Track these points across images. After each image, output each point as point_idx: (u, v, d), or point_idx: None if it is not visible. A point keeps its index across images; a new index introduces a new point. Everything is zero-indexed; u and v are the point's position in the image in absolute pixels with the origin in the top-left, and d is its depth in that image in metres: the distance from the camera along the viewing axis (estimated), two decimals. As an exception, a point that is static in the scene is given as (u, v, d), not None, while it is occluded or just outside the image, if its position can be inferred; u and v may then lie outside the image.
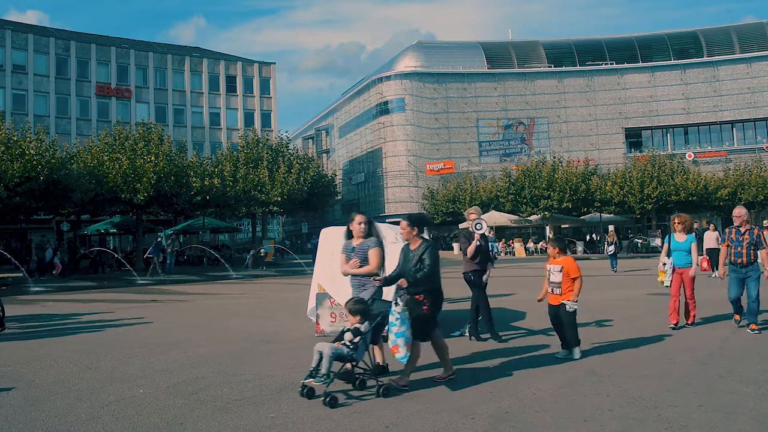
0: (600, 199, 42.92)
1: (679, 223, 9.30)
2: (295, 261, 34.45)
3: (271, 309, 13.46)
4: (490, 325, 8.45)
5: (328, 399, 5.26)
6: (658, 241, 37.87)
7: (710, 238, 18.10)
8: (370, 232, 6.31)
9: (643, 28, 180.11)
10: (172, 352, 8.03)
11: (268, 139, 46.55)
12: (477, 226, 8.47)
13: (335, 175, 59.86)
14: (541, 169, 43.55)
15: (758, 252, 8.69)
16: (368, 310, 5.72)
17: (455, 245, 45.94)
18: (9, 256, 23.33)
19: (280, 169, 40.56)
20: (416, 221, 6.20)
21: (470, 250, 8.45)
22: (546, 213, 42.67)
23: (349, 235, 6.41)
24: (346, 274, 6.40)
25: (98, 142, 31.83)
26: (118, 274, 28.43)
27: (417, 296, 5.92)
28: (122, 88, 52.08)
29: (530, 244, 43.09)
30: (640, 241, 42.50)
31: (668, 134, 61.48)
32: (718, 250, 13.02)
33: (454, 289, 15.07)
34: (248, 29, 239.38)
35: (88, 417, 5.14)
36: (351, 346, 5.48)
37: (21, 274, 23.28)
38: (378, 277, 6.05)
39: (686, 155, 56.47)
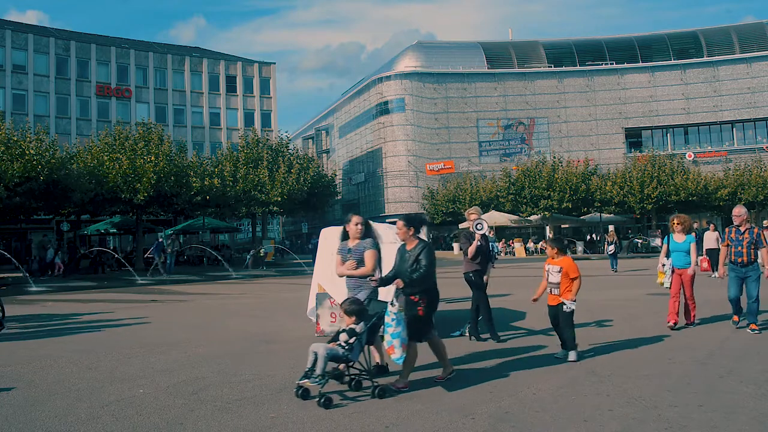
0: (600, 199, 42.92)
1: (678, 223, 9.27)
2: (295, 261, 34.45)
3: (271, 309, 13.46)
4: (490, 326, 8.45)
5: (322, 400, 5.24)
6: (658, 241, 37.87)
7: (710, 239, 18.09)
8: (366, 233, 6.27)
9: (643, 28, 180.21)
10: (172, 352, 8.03)
11: (268, 139, 46.56)
12: (478, 227, 8.46)
13: (335, 175, 59.87)
14: (541, 169, 43.56)
15: (759, 251, 8.66)
16: (364, 310, 5.71)
17: (455, 245, 45.94)
18: (9, 256, 23.35)
19: (280, 169, 40.56)
20: (412, 221, 6.18)
21: (471, 250, 8.44)
22: (546, 213, 42.67)
23: (345, 236, 6.37)
24: (341, 276, 6.37)
25: (98, 142, 31.86)
26: (118, 274, 28.42)
27: (412, 297, 5.91)
28: (122, 88, 52.09)
29: (530, 244, 43.08)
30: (640, 241, 42.50)
31: (668, 134, 61.48)
32: (718, 250, 13.03)
33: (454, 289, 15.07)
34: (248, 29, 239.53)
35: (88, 417, 5.14)
36: (346, 347, 5.47)
37: (21, 274, 23.28)
38: (374, 278, 6.03)
39: (686, 155, 56.47)
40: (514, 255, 40.97)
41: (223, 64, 57.15)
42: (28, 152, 24.66)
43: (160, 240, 28.31)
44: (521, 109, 61.51)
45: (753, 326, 8.54)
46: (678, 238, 9.24)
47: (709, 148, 59.70)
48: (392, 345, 5.55)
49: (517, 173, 45.18)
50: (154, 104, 53.37)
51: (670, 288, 9.16)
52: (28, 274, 23.18)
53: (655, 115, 60.85)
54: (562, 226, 49.74)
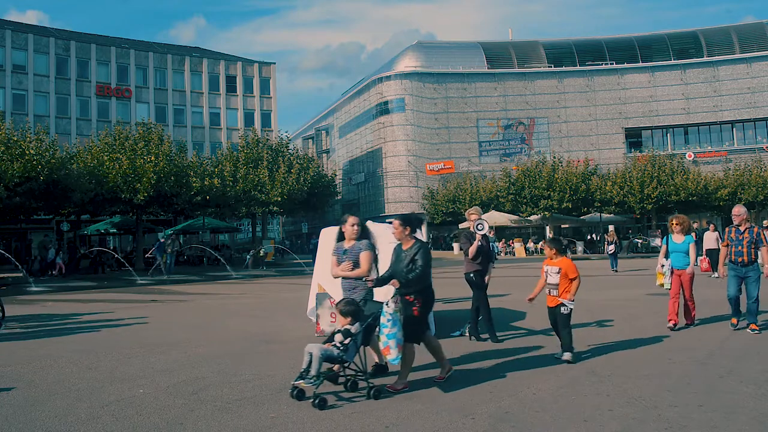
0: (600, 199, 42.92)
1: (677, 224, 9.24)
2: (295, 261, 34.47)
3: (271, 309, 13.46)
4: (489, 326, 8.45)
5: (317, 401, 5.23)
6: (658, 241, 37.85)
7: (710, 239, 18.09)
8: (362, 234, 6.23)
9: (643, 28, 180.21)
10: (172, 352, 8.03)
11: (268, 139, 46.55)
12: (479, 227, 8.45)
13: (335, 175, 59.86)
14: (541, 169, 43.56)
15: (759, 250, 8.63)
16: (359, 311, 5.69)
17: (455, 245, 45.93)
18: (9, 256, 23.35)
19: (280, 169, 40.56)
20: (409, 221, 6.16)
21: (472, 250, 8.42)
22: (546, 213, 42.67)
23: (341, 237, 6.32)
24: (336, 277, 6.33)
25: (98, 142, 31.86)
26: (118, 274, 28.42)
27: (407, 297, 5.90)
28: (122, 88, 52.08)
29: (530, 244, 43.08)
30: (640, 241, 42.50)
31: (668, 134, 61.47)
32: (718, 250, 13.02)
33: (454, 289, 15.06)
34: (248, 29, 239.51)
35: (88, 417, 5.15)
36: (341, 348, 5.45)
37: (21, 274, 23.28)
38: (370, 278, 6.01)
39: (686, 155, 56.46)
40: (514, 255, 40.97)
41: (223, 64, 57.16)
42: (28, 152, 24.66)
43: (162, 240, 28.30)
44: (521, 109, 61.51)
45: (753, 326, 8.53)
46: (677, 238, 9.21)
47: (709, 148, 59.69)
48: (388, 345, 5.54)
49: (517, 173, 45.18)
50: (154, 104, 53.37)
51: (669, 289, 9.13)
52: (28, 275, 23.19)
53: (655, 115, 60.84)
54: (562, 226, 49.73)
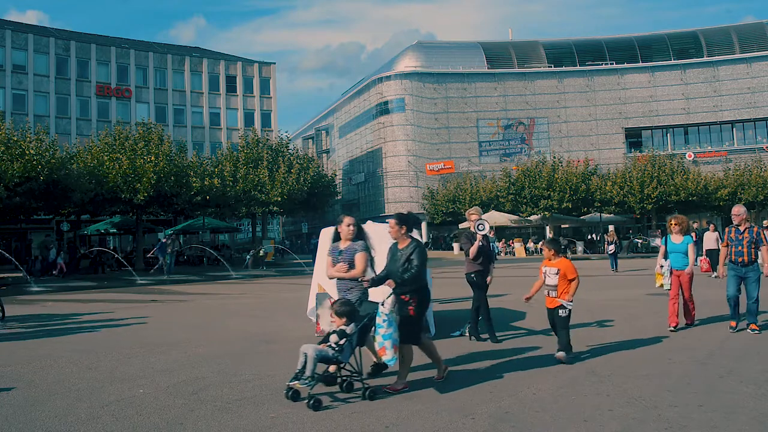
0: (600, 199, 42.92)
1: (675, 224, 9.18)
2: (295, 261, 34.47)
3: (271, 309, 13.47)
4: (489, 326, 8.44)
5: (311, 401, 5.21)
6: (657, 241, 37.81)
7: (710, 239, 18.08)
8: (358, 235, 6.19)
9: (643, 28, 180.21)
10: (172, 352, 8.04)
11: (268, 139, 46.56)
12: (479, 227, 8.44)
13: (335, 175, 59.87)
14: (541, 169, 43.56)
15: (759, 250, 8.59)
16: (354, 312, 5.67)
17: (455, 245, 45.93)
18: (9, 256, 23.34)
19: (280, 169, 40.56)
20: (405, 220, 6.14)
21: (473, 250, 8.41)
22: (546, 213, 42.67)
23: (337, 237, 6.30)
24: (332, 278, 6.31)
25: (98, 142, 31.86)
26: (118, 274, 28.43)
27: (403, 296, 5.88)
28: (122, 88, 52.08)
29: (530, 244, 43.09)
30: (640, 241, 42.50)
31: (668, 134, 61.47)
32: (718, 250, 13.02)
33: (454, 289, 15.07)
34: (248, 29, 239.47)
35: (88, 417, 5.15)
36: (336, 348, 5.44)
37: (21, 274, 23.28)
38: (366, 279, 5.98)
39: (686, 155, 56.46)
40: (514, 255, 40.97)
41: (223, 64, 57.16)
42: (28, 152, 24.66)
43: (165, 240, 28.31)
44: (521, 109, 61.51)
45: (753, 326, 8.51)
46: (675, 239, 9.17)
47: (709, 148, 59.69)
48: (383, 346, 5.52)
49: (517, 173, 45.18)
50: (154, 104, 53.37)
51: (669, 290, 9.08)
52: (28, 275, 23.18)
53: (655, 115, 60.84)
54: (562, 226, 49.73)
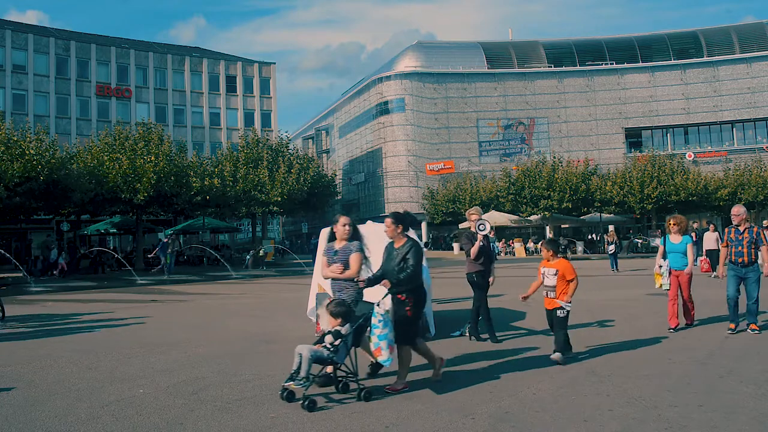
0: (600, 199, 42.92)
1: (674, 224, 9.13)
2: (295, 261, 34.47)
3: (271, 309, 13.47)
4: (489, 326, 8.44)
5: (306, 402, 5.20)
6: (657, 241, 37.82)
7: (710, 239, 18.07)
8: (353, 235, 6.17)
9: (643, 28, 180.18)
10: (172, 352, 8.04)
11: (268, 139, 46.56)
12: (480, 227, 8.43)
13: (335, 175, 59.87)
14: (541, 169, 43.55)
15: (759, 250, 8.54)
16: (350, 312, 5.64)
17: (455, 245, 45.93)
18: (9, 256, 23.35)
19: (280, 169, 40.56)
20: (401, 219, 6.11)
21: (474, 251, 8.39)
22: (546, 213, 42.67)
23: (333, 237, 6.27)
24: (327, 278, 6.28)
25: (98, 142, 31.86)
26: (118, 274, 28.43)
27: (399, 296, 5.85)
28: (122, 88, 52.08)
29: (530, 244, 43.09)
30: (640, 241, 42.50)
31: (668, 134, 61.46)
32: (718, 250, 13.00)
33: (454, 289, 15.07)
34: (248, 29, 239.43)
35: (88, 417, 5.15)
36: (331, 349, 5.42)
37: (21, 274, 23.28)
38: (361, 279, 5.95)
39: (686, 155, 56.46)
40: (514, 255, 40.98)
41: (223, 64, 57.15)
42: (28, 152, 24.67)
43: (166, 240, 28.30)
44: (521, 109, 61.51)
45: (753, 326, 8.50)
46: (674, 239, 9.12)
47: (709, 148, 59.69)
48: (379, 347, 5.49)
49: (517, 173, 45.17)
50: (154, 104, 53.37)
51: (668, 290, 9.03)
52: (28, 274, 23.18)
53: (655, 115, 60.84)
54: (562, 226, 49.72)
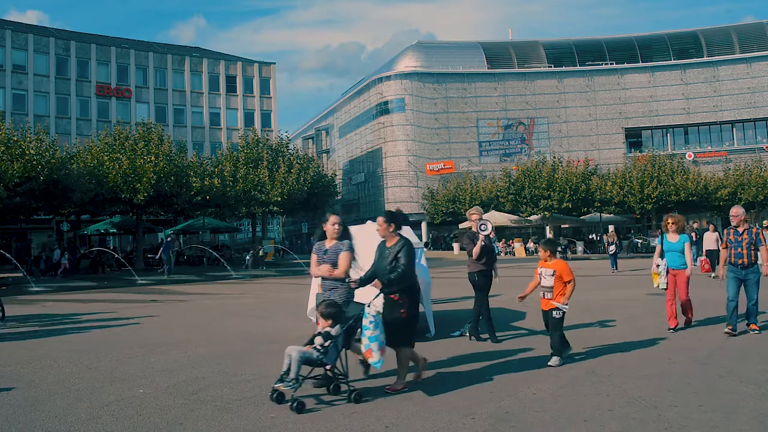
0: (600, 199, 42.91)
1: (672, 223, 9.05)
2: (295, 261, 34.47)
3: (271, 309, 13.47)
4: (489, 326, 8.43)
5: (295, 404, 5.17)
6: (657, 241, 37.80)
7: (710, 239, 18.07)
8: (343, 234, 6.15)
9: (643, 28, 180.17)
10: (172, 352, 8.04)
11: (268, 139, 46.55)
12: (482, 227, 8.42)
13: (335, 175, 59.85)
14: (541, 169, 43.55)
15: (758, 251, 8.47)
16: (340, 313, 5.60)
17: (455, 245, 45.94)
18: (9, 256, 23.36)
19: (280, 169, 40.57)
20: (393, 218, 6.06)
21: (475, 251, 8.37)
22: (546, 213, 42.67)
23: (323, 236, 6.24)
24: (316, 276, 6.25)
25: (98, 142, 31.87)
26: (118, 274, 28.44)
27: (392, 296, 5.80)
28: (122, 88, 52.08)
29: (530, 244, 43.08)
30: (640, 241, 42.49)
31: (668, 134, 61.49)
32: (718, 251, 12.99)
33: (454, 289, 15.08)
34: (248, 29, 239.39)
35: (88, 417, 5.15)
36: (321, 350, 5.39)
37: (21, 274, 23.28)
38: (353, 280, 5.91)
39: (686, 155, 56.47)
40: (514, 255, 40.97)
41: (223, 64, 57.15)
42: (28, 152, 24.67)
43: (169, 239, 28.26)
44: (521, 109, 61.52)
45: (753, 326, 8.49)
46: (672, 238, 9.03)
47: (709, 148, 59.70)
48: (370, 348, 5.43)
49: (517, 173, 45.17)
50: (154, 104, 53.36)
51: (666, 289, 8.98)
52: (27, 274, 23.18)
53: (655, 115, 60.85)
54: (562, 226, 49.71)
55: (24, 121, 34.04)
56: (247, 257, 33.71)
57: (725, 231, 8.91)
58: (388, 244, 6.00)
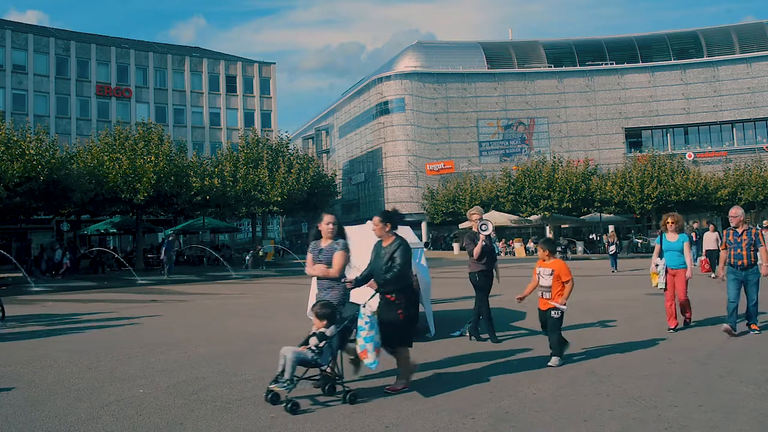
0: (600, 199, 42.92)
1: (672, 222, 8.99)
2: (295, 261, 34.47)
3: (271, 309, 13.47)
4: (489, 326, 8.43)
5: (289, 405, 5.14)
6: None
7: (710, 239, 18.07)
8: (338, 233, 6.12)
9: (643, 28, 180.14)
10: (172, 352, 8.04)
11: (268, 139, 46.56)
12: (483, 227, 8.42)
13: (335, 175, 59.86)
14: (541, 169, 43.56)
15: (758, 252, 8.43)
16: (335, 314, 5.58)
17: (455, 245, 45.95)
18: (9, 256, 23.35)
19: (280, 169, 40.57)
20: (389, 217, 6.04)
21: (476, 251, 8.36)
22: (546, 213, 42.67)
23: (319, 235, 6.20)
24: (311, 276, 6.23)
25: (98, 142, 31.87)
26: (118, 274, 28.44)
27: (389, 296, 5.78)
28: (122, 88, 52.08)
29: (530, 244, 43.08)
30: (640, 241, 42.50)
31: (668, 134, 61.49)
32: (718, 251, 12.97)
33: (454, 289, 15.09)
34: (248, 29, 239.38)
35: (88, 417, 5.15)
36: (316, 351, 5.37)
37: (21, 274, 23.28)
38: (349, 280, 5.87)
39: (686, 155, 56.48)
40: (514, 255, 40.99)
41: (223, 64, 57.15)
42: (28, 152, 24.67)
43: (171, 239, 28.24)
44: (521, 109, 61.53)
45: (753, 326, 8.48)
46: (671, 237, 8.98)
47: (709, 148, 59.71)
48: (365, 349, 5.40)
49: (517, 173, 45.18)
50: (154, 104, 53.36)
51: (664, 289, 8.95)
52: (27, 274, 23.18)
53: (655, 115, 60.86)
54: (562, 226, 49.72)
55: (24, 121, 34.04)
56: (247, 257, 33.71)
57: (724, 232, 8.87)
58: (384, 244, 5.97)
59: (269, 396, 5.37)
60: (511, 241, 43.98)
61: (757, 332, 8.39)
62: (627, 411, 5.10)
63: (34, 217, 31.71)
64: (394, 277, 5.71)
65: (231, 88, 57.06)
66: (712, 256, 17.43)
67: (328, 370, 5.62)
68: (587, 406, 5.27)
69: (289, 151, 45.62)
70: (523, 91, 61.73)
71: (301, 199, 42.23)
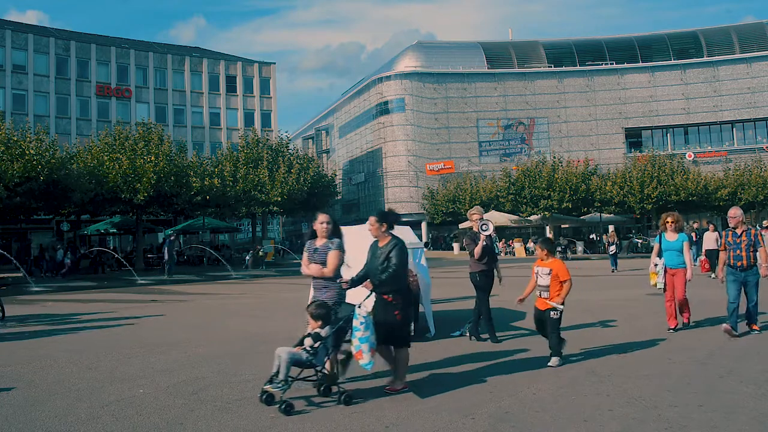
0: (600, 199, 42.92)
1: (672, 222, 8.95)
2: (295, 261, 34.45)
3: (271, 309, 13.47)
4: (489, 326, 8.43)
5: (283, 406, 5.14)
6: (657, 241, 37.75)
7: (710, 239, 18.03)
8: (333, 232, 6.10)
9: (643, 28, 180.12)
10: (172, 352, 8.04)
11: (268, 139, 46.57)
12: (483, 227, 8.41)
13: (335, 175, 59.87)
14: (541, 169, 43.56)
15: (757, 252, 8.40)
16: (330, 315, 5.56)
17: (455, 245, 45.95)
18: (9, 256, 23.35)
19: (280, 169, 40.58)
20: (385, 217, 6.03)
21: (477, 251, 8.36)
22: (546, 213, 42.68)
23: (314, 235, 6.19)
24: (306, 275, 6.21)
25: (98, 142, 31.88)
26: (118, 274, 28.44)
27: (385, 296, 5.77)
28: (122, 88, 52.07)
29: (530, 244, 43.06)
30: (640, 241, 42.50)
31: (668, 134, 61.49)
32: (718, 251, 12.97)
33: (454, 288, 15.09)
34: (248, 29, 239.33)
35: (88, 417, 5.15)
36: (310, 351, 5.36)
37: (21, 274, 23.28)
38: (345, 281, 5.85)
39: (686, 155, 56.48)
40: (514, 255, 40.99)
41: (223, 64, 57.15)
42: (28, 152, 24.67)
43: (172, 238, 28.23)
44: (521, 109, 61.53)
45: (754, 326, 8.48)
46: (670, 236, 8.95)
47: (709, 148, 59.71)
48: (360, 350, 5.39)
49: (517, 173, 45.19)
50: (154, 104, 53.36)
51: (663, 289, 8.93)
52: (27, 274, 23.18)
53: (655, 115, 60.86)
54: (562, 226, 49.72)
55: (24, 121, 34.04)
56: (247, 257, 33.71)
57: (723, 233, 8.84)
58: (380, 244, 5.95)
59: (264, 397, 5.34)
60: (511, 241, 43.99)
61: (757, 332, 8.39)
62: (627, 411, 5.10)
63: (34, 217, 31.72)
64: (389, 278, 5.70)
65: (231, 88, 57.06)
66: (712, 256, 17.40)
67: (327, 370, 5.62)
68: (587, 406, 5.27)
69: (289, 151, 45.63)
70: (523, 91, 61.74)
71: (301, 199, 42.24)
